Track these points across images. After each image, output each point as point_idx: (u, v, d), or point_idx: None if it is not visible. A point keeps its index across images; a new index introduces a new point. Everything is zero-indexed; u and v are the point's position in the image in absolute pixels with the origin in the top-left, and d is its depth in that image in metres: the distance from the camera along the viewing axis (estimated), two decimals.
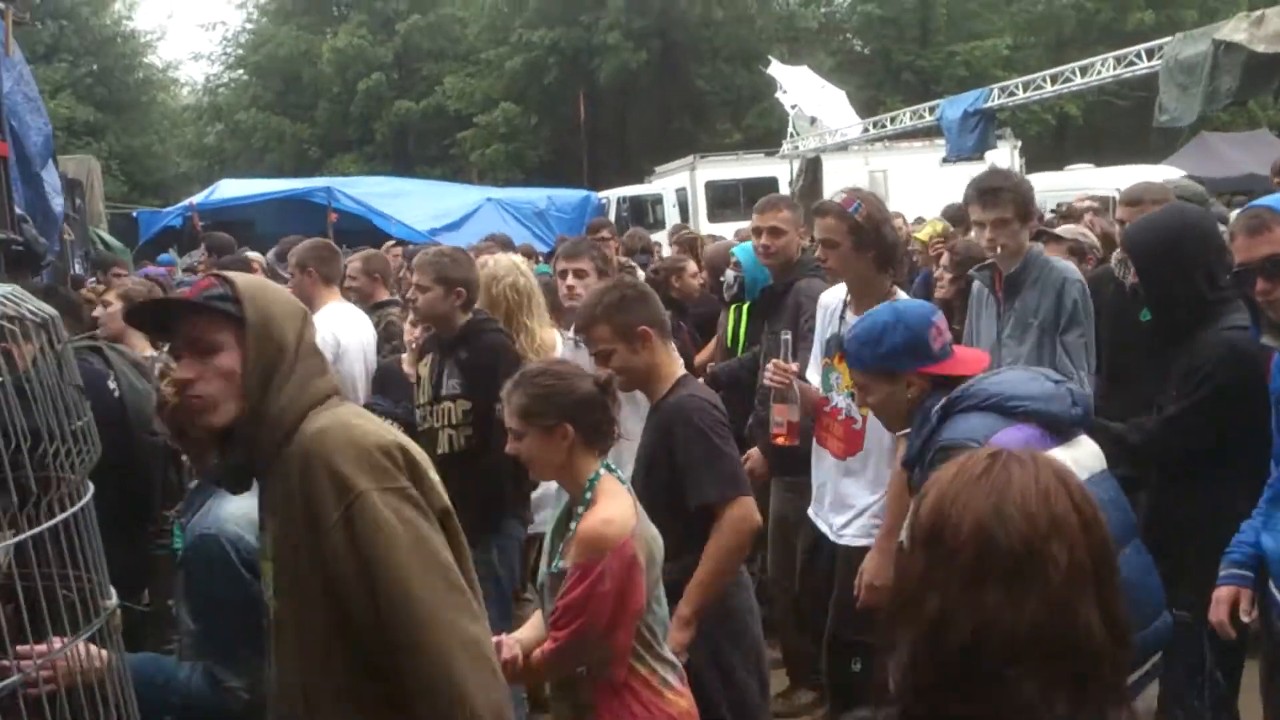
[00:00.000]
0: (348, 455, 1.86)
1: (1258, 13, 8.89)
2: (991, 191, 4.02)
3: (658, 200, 20.32)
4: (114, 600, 1.52)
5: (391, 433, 2.02)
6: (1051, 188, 17.13)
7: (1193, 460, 3.23)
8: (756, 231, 4.56)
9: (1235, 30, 8.74)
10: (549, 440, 2.69)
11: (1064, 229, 5.56)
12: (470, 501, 3.88)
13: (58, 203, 6.98)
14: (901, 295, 3.84)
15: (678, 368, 3.29)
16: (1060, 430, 2.61)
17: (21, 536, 1.32)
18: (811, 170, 17.16)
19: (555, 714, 2.78)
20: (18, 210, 5.43)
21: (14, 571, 1.40)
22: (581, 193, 19.75)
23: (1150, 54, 9.95)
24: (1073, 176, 17.97)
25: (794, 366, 3.77)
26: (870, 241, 3.71)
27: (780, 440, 3.73)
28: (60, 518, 1.35)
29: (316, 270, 5.40)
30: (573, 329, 3.77)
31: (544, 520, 3.79)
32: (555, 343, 4.71)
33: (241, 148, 33.13)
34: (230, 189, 18.19)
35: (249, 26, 35.74)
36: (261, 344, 1.89)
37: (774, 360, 3.78)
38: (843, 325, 3.81)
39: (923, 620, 1.33)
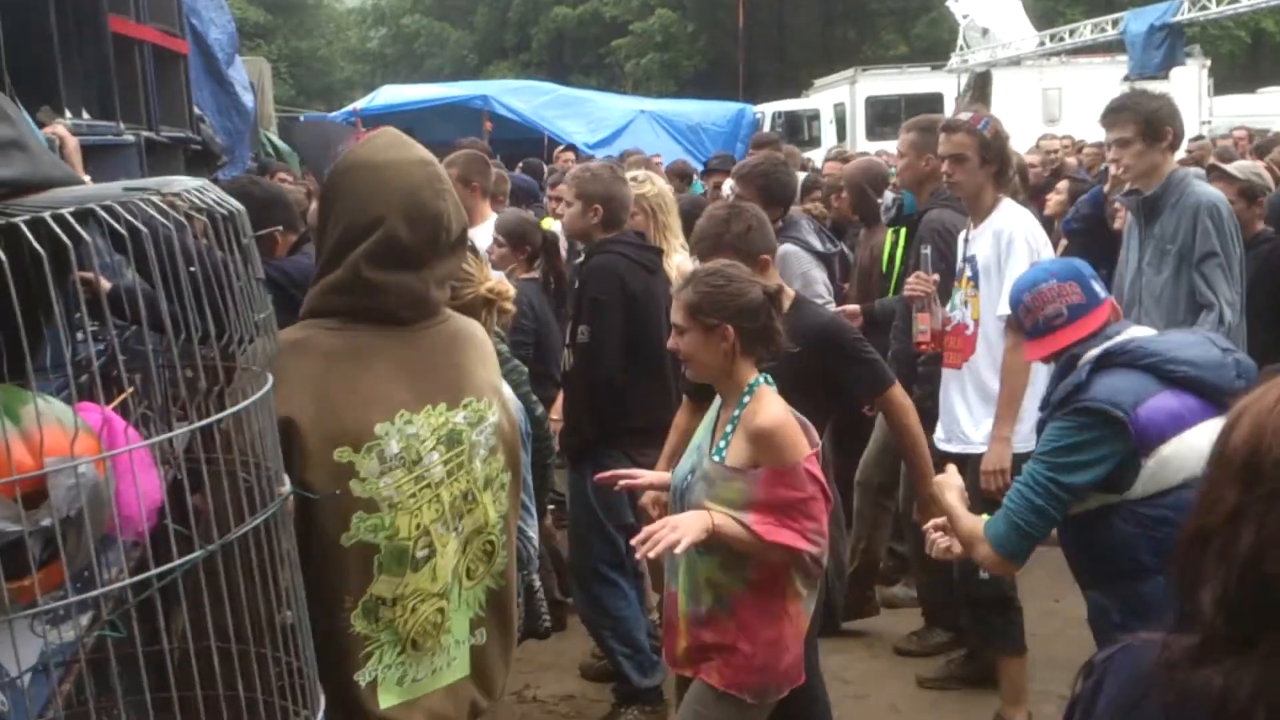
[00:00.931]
0: None
1: None
2: (1113, 110, 4.07)
3: (814, 116, 19.93)
4: (288, 487, 1.57)
5: (291, 407, 1.85)
6: (1242, 112, 16.10)
7: None
8: (941, 158, 4.35)
9: None
10: (709, 340, 2.73)
11: (1236, 165, 5.21)
12: (571, 424, 4.15)
13: (248, 98, 7.00)
14: (1007, 205, 4.00)
15: (790, 289, 3.50)
16: (1221, 403, 2.42)
17: (205, 421, 1.37)
18: (980, 86, 16.51)
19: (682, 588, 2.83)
20: (196, 110, 5.60)
21: (200, 455, 1.45)
22: (736, 106, 19.42)
23: None
24: (1266, 100, 16.82)
25: (934, 277, 3.97)
26: (994, 157, 3.92)
27: (924, 347, 3.99)
28: (242, 405, 1.40)
29: (480, 183, 5.42)
30: (694, 250, 3.80)
31: None
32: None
33: (403, 53, 33.82)
34: (391, 94, 18.54)
35: None
36: None
37: (916, 273, 4.06)
38: (966, 248, 4.05)
39: (1237, 554, 1.26)
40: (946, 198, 4.44)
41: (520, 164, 10.21)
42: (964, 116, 4.13)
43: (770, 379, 2.81)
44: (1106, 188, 5.49)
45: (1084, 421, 2.48)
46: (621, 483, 3.02)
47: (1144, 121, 3.96)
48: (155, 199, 1.26)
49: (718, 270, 2.84)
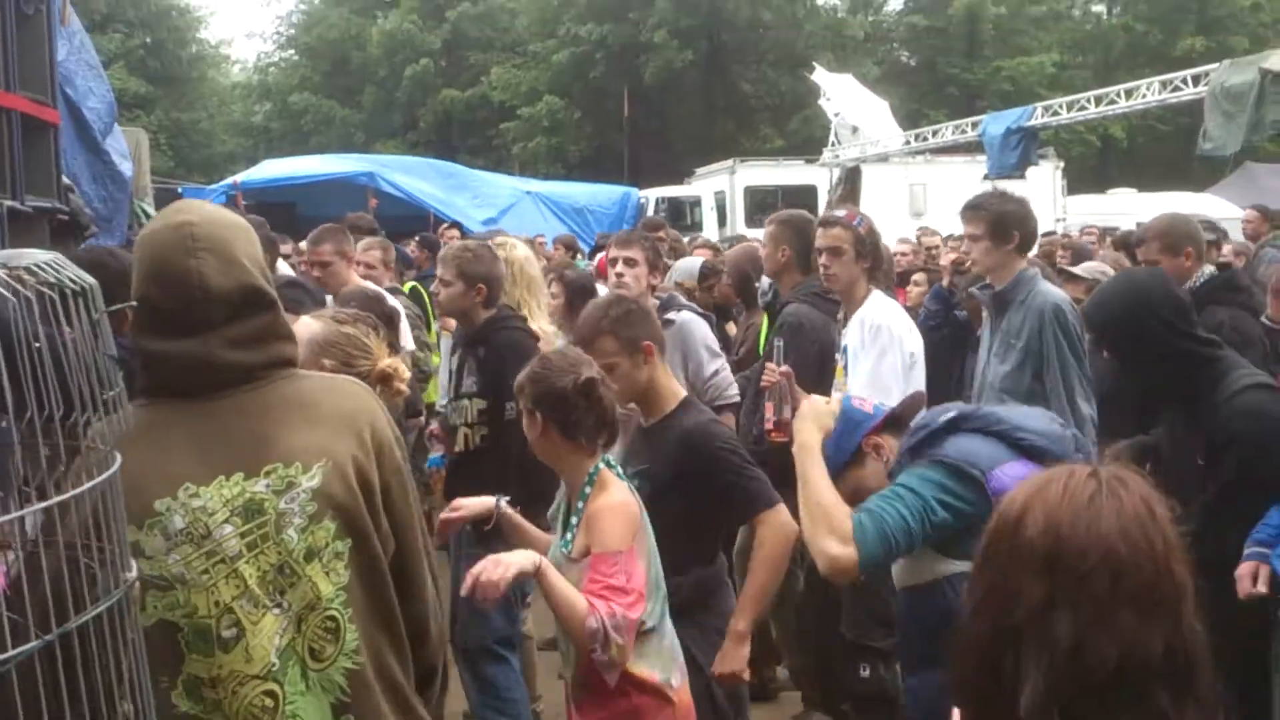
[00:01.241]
0: None
1: None
2: (969, 208, 4.29)
3: (696, 202, 20.36)
4: (134, 573, 1.55)
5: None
6: (1093, 210, 17.04)
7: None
8: (818, 251, 4.43)
9: None
10: (530, 425, 2.74)
11: (1084, 267, 5.58)
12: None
13: (126, 166, 6.90)
14: (876, 296, 4.14)
15: (679, 388, 3.36)
16: None
17: (48, 503, 1.36)
18: (850, 180, 17.13)
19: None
20: (65, 180, 5.51)
21: (40, 539, 1.44)
22: (622, 189, 19.77)
23: (1196, 80, 9.89)
24: (1114, 200, 17.85)
25: (785, 368, 3.89)
26: (868, 252, 4.11)
27: (773, 435, 3.83)
28: (87, 486, 1.40)
29: (353, 254, 5.48)
30: (574, 337, 3.74)
31: None
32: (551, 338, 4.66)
33: (289, 129, 33.56)
34: (274, 169, 18.29)
35: (302, 7, 36.27)
36: None
37: (768, 363, 4.08)
38: (841, 339, 4.19)
39: (1055, 643, 1.32)
40: (811, 291, 4.54)
41: (416, 238, 10.17)
42: (840, 213, 4.33)
43: (615, 463, 2.78)
44: (945, 281, 5.77)
45: (942, 473, 2.42)
46: (442, 516, 2.94)
47: (993, 222, 4.17)
48: (1, 274, 1.27)
49: (546, 355, 2.89)
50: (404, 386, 2.72)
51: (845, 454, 2.70)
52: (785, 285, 4.74)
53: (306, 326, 2.38)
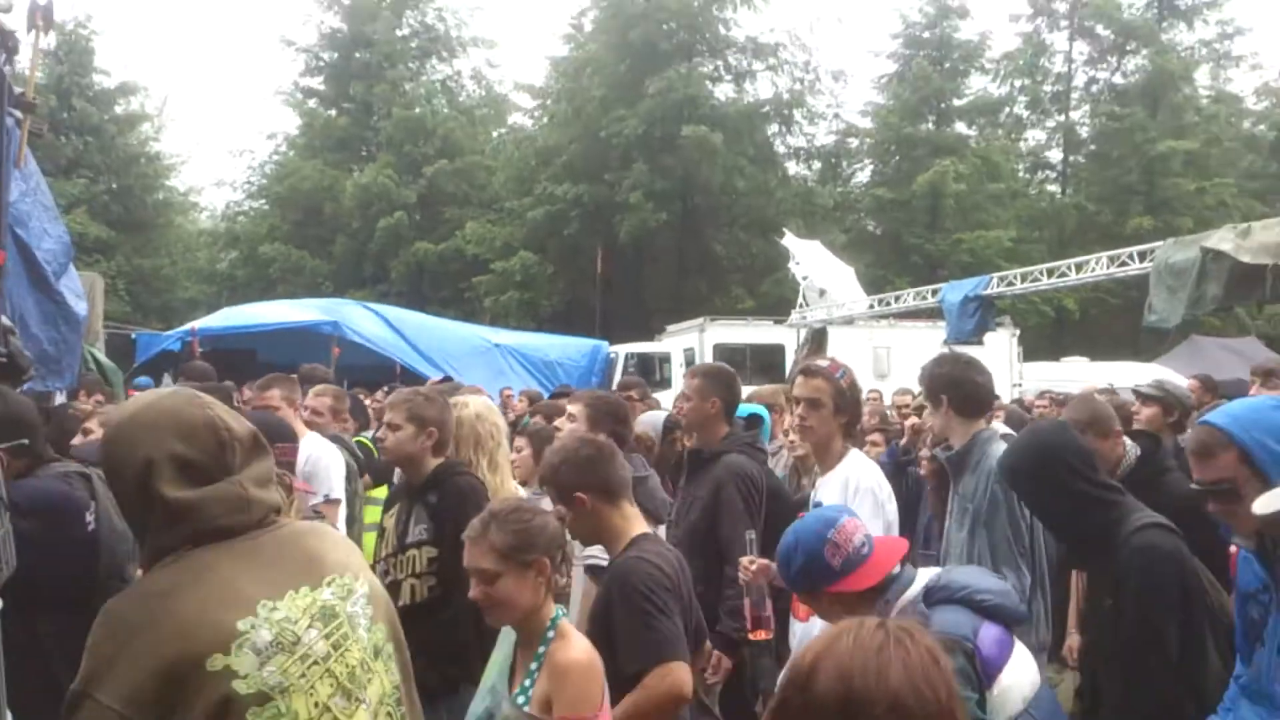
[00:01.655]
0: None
1: (1244, 225, 9.39)
2: (920, 375, 4.26)
3: (666, 359, 20.67)
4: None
5: (164, 646, 1.85)
6: (1049, 377, 17.60)
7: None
8: (796, 401, 4.34)
9: (1223, 240, 9.20)
10: (524, 578, 2.65)
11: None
12: (430, 659, 3.49)
13: (81, 307, 6.86)
14: (855, 455, 4.02)
15: (635, 527, 3.29)
16: (1013, 623, 2.63)
17: None
18: (817, 340, 17.59)
19: None
20: (6, 321, 5.44)
21: None
22: (591, 343, 20.04)
23: (1142, 256, 10.42)
24: (1067, 368, 18.42)
25: (761, 562, 3.71)
26: (848, 406, 3.96)
27: (754, 635, 3.74)
28: None
29: (297, 401, 5.53)
30: (537, 480, 3.76)
31: None
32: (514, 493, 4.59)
33: (255, 277, 33.35)
34: (235, 315, 18.14)
35: (276, 158, 36.63)
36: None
37: (742, 559, 3.79)
38: (814, 494, 4.03)
39: None
40: (743, 442, 4.54)
41: (385, 389, 10.18)
42: (822, 363, 4.14)
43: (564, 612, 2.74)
44: (903, 440, 5.95)
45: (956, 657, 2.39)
46: None
47: (927, 386, 4.18)
48: None
49: (517, 506, 2.79)
50: None
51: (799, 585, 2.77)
52: (712, 436, 4.61)
53: None
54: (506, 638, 2.82)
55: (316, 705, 1.94)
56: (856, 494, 3.82)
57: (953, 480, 4.17)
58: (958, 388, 4.07)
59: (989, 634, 2.50)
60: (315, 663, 1.96)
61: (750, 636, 3.77)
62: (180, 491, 1.95)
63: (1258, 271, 8.82)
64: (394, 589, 3.90)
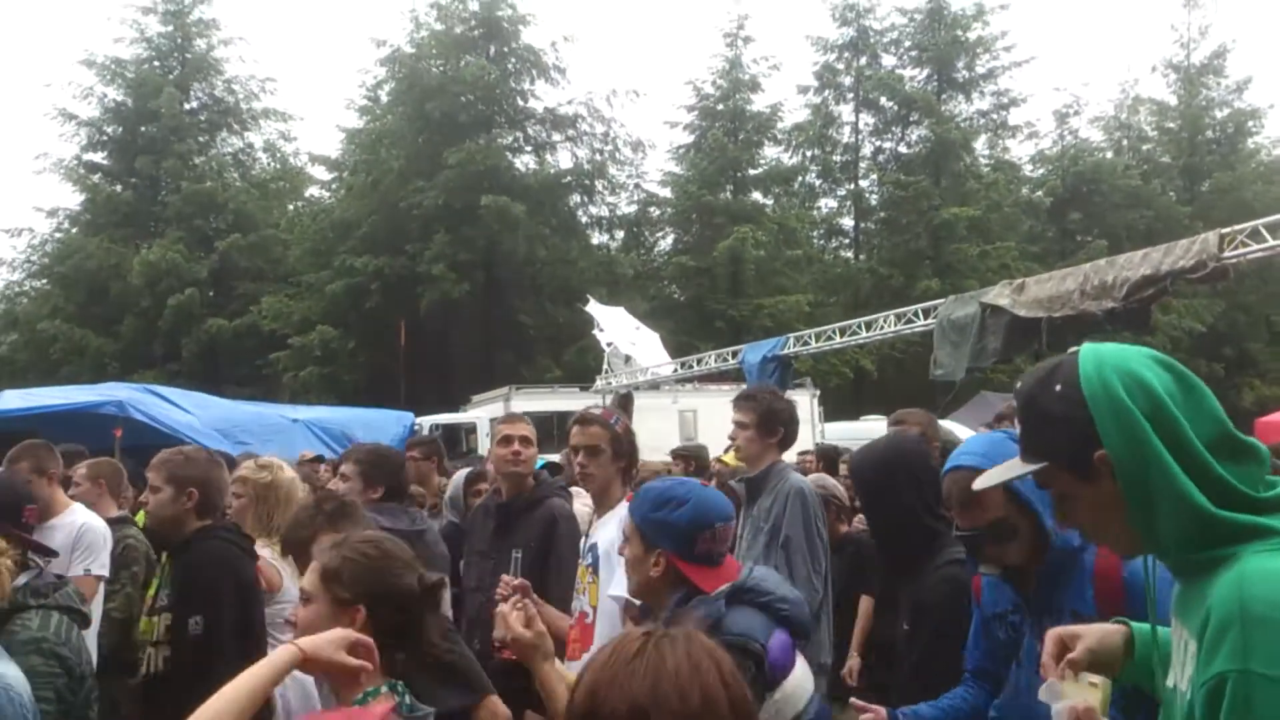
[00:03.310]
0: None
1: (1019, 280, 9.86)
2: (744, 396, 4.58)
3: (471, 429, 20.38)
4: None
5: None
6: (847, 435, 18.11)
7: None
8: (507, 440, 4.61)
9: (999, 295, 9.62)
10: (334, 618, 2.24)
11: (812, 478, 5.97)
12: None
13: None
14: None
15: None
16: (800, 635, 2.69)
17: None
18: (623, 405, 17.57)
19: None
20: None
21: None
22: (395, 414, 19.59)
23: (927, 313, 10.80)
24: (866, 426, 18.95)
25: (517, 581, 3.69)
26: (625, 451, 4.05)
27: (503, 654, 3.58)
28: None
29: (55, 471, 5.28)
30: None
31: None
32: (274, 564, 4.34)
33: (36, 359, 31.64)
34: (14, 398, 17.11)
35: (58, 235, 34.92)
36: None
37: (503, 576, 3.77)
38: (588, 539, 4.08)
39: None
40: (561, 486, 4.67)
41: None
42: (596, 410, 4.30)
43: (403, 690, 2.25)
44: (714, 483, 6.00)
45: (741, 659, 2.34)
46: None
47: (764, 414, 4.45)
48: None
49: (378, 540, 2.42)
50: (9, 563, 2.56)
51: None
52: (523, 487, 4.70)
53: None
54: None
55: None
56: None
57: (746, 503, 4.43)
58: (789, 424, 4.45)
59: (778, 640, 2.56)
60: None
61: (501, 656, 3.62)
62: None
63: (1033, 325, 9.24)
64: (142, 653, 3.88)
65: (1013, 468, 1.85)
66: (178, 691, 3.60)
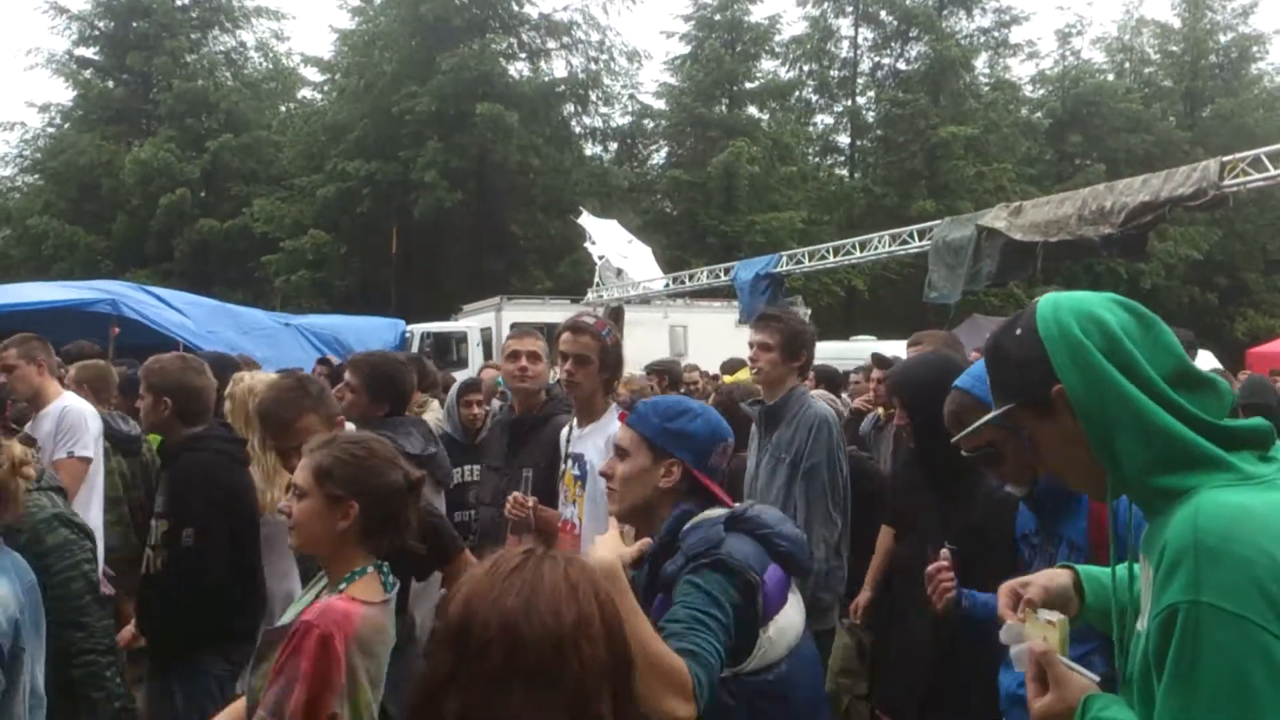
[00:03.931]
0: None
1: (1016, 203, 9.86)
2: (765, 317, 4.39)
3: (462, 338, 20.39)
4: None
5: None
6: (837, 355, 18.23)
7: None
8: (514, 355, 4.49)
9: (996, 218, 9.63)
10: (328, 511, 2.50)
11: (816, 392, 6.00)
12: (163, 630, 3.83)
13: None
14: (616, 408, 4.07)
15: None
16: (796, 573, 2.67)
17: None
18: (614, 317, 17.65)
19: None
20: None
21: None
22: (388, 321, 19.61)
23: (922, 235, 10.81)
24: (857, 346, 19.06)
25: (531, 500, 3.89)
26: (612, 363, 4.03)
27: None
28: None
29: (45, 361, 5.31)
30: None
31: None
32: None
33: (28, 255, 31.42)
34: (6, 294, 17.10)
35: (49, 131, 34.42)
36: None
37: (513, 494, 3.92)
38: (569, 445, 4.06)
39: (447, 716, 1.30)
40: (567, 406, 4.47)
41: None
42: (589, 320, 4.14)
43: (386, 570, 2.59)
44: (711, 400, 6.02)
45: (725, 577, 2.41)
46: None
47: (789, 337, 4.29)
48: None
49: (363, 440, 2.62)
50: (32, 471, 2.62)
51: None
52: (534, 404, 4.60)
53: None
54: (313, 587, 2.72)
55: None
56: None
57: (763, 431, 4.26)
58: (811, 348, 4.29)
59: (774, 575, 2.53)
60: None
61: None
62: None
63: (1029, 248, 9.27)
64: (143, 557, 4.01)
65: (988, 415, 1.92)
66: (172, 594, 3.79)
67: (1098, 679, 1.75)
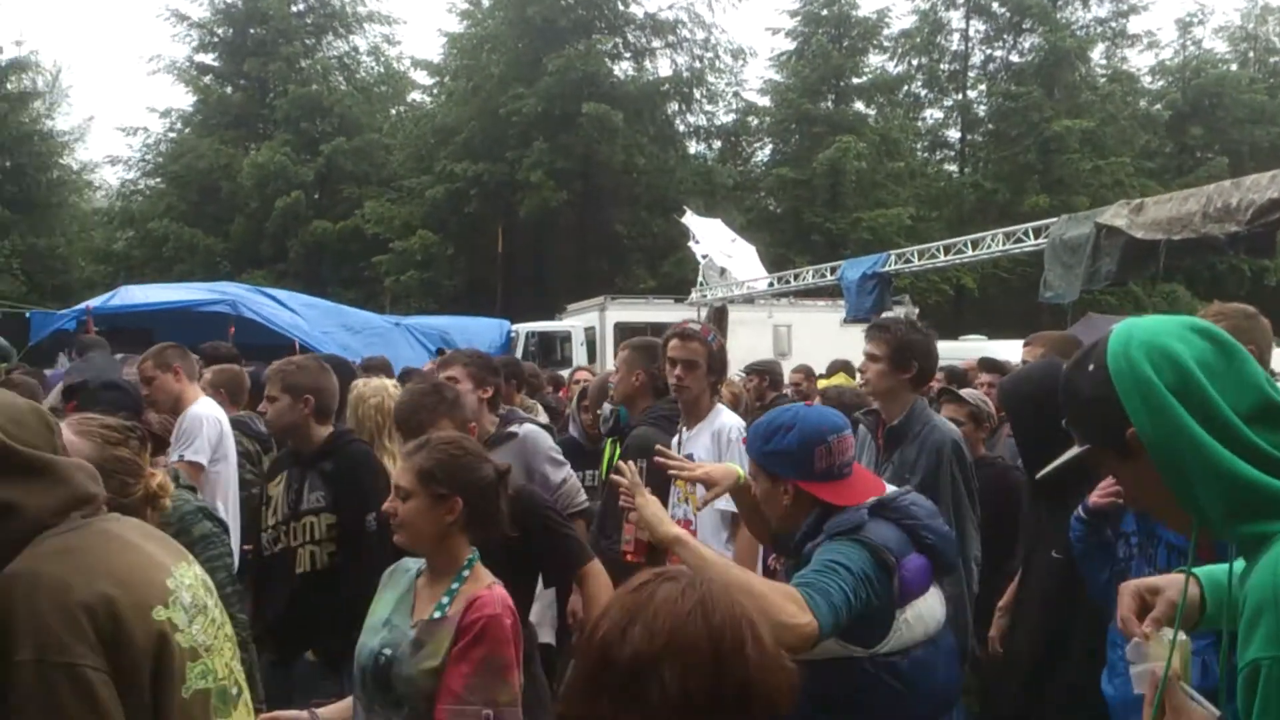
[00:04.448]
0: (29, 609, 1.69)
1: (1137, 200, 9.49)
2: (877, 327, 4.27)
3: (566, 338, 20.54)
4: None
5: (99, 585, 1.77)
6: (946, 355, 17.85)
7: None
8: (673, 362, 4.45)
9: (1116, 216, 9.27)
10: (434, 509, 2.66)
11: (967, 392, 5.69)
12: (331, 624, 3.82)
13: None
14: (721, 409, 4.27)
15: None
16: (941, 570, 2.69)
17: None
18: (717, 319, 17.52)
19: None
20: None
21: None
22: (495, 321, 19.85)
23: (1037, 233, 10.48)
24: (966, 346, 18.64)
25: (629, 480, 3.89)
26: (718, 367, 4.22)
27: (629, 557, 3.83)
28: None
29: (182, 367, 5.38)
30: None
31: None
32: None
33: (150, 256, 32.66)
34: (131, 295, 17.75)
35: (171, 135, 35.70)
36: None
37: (621, 471, 3.93)
38: (681, 448, 4.11)
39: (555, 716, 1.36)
40: (659, 414, 4.60)
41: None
42: (695, 327, 4.37)
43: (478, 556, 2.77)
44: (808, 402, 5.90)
45: (866, 554, 2.48)
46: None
47: (897, 347, 4.12)
48: None
49: (455, 439, 2.82)
50: (169, 504, 2.65)
51: None
52: (636, 409, 4.82)
53: (74, 445, 2.23)
54: (396, 578, 2.84)
55: (227, 666, 2.00)
56: (729, 445, 4.02)
57: (882, 447, 4.18)
58: (925, 358, 4.13)
59: (915, 562, 2.57)
60: (219, 627, 2.03)
61: (627, 559, 3.85)
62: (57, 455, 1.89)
63: (1150, 247, 8.90)
64: (289, 555, 4.03)
65: (1069, 451, 1.84)
66: (356, 582, 3.73)
67: (1219, 714, 1.65)
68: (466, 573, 2.66)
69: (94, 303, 16.97)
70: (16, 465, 1.77)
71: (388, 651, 2.61)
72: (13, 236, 30.27)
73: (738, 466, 3.12)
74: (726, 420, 4.22)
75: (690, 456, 3.97)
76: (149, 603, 1.82)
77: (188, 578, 1.98)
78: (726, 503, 3.44)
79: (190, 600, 1.93)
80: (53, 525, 1.80)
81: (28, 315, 17.83)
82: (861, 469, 2.92)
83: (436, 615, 2.61)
